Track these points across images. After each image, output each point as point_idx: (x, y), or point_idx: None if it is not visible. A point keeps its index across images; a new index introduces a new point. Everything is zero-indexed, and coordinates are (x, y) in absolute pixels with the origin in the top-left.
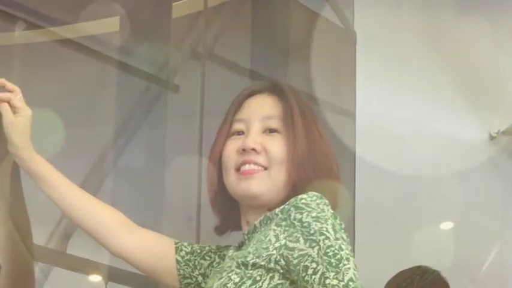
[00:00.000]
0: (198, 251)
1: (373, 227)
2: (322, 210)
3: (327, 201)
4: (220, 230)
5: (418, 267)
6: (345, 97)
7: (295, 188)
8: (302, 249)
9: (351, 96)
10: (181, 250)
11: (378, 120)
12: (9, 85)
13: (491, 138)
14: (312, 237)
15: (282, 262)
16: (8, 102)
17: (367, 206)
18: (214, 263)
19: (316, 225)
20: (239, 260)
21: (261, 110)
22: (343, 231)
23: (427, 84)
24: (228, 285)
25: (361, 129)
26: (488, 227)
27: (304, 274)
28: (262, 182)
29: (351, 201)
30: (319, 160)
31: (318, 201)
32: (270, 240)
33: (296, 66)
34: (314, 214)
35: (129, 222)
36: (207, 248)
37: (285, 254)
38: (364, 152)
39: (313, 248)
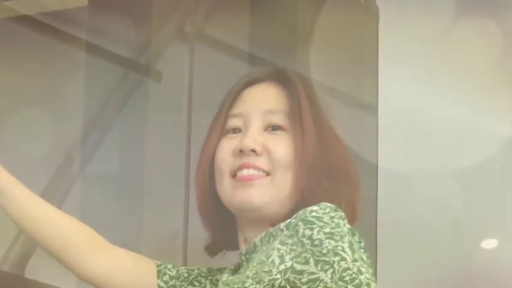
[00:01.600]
0: (185, 275)
1: (399, 245)
2: (337, 225)
3: (343, 214)
4: (212, 250)
5: None
6: (365, 87)
7: (303, 197)
8: (313, 273)
9: (372, 86)
10: (165, 274)
11: (405, 115)
12: None
13: None
14: (324, 258)
15: None
16: None
17: (391, 219)
18: None
19: (329, 243)
20: (235, 286)
21: (263, 102)
22: (362, 250)
23: (464, 72)
24: None
25: (384, 126)
26: None
27: None
28: (263, 191)
29: (372, 213)
30: (334, 163)
31: (332, 214)
32: (273, 261)
33: (304, 49)
34: (327, 230)
35: (100, 239)
36: (196, 271)
37: (291, 278)
38: (388, 153)
39: (326, 271)
